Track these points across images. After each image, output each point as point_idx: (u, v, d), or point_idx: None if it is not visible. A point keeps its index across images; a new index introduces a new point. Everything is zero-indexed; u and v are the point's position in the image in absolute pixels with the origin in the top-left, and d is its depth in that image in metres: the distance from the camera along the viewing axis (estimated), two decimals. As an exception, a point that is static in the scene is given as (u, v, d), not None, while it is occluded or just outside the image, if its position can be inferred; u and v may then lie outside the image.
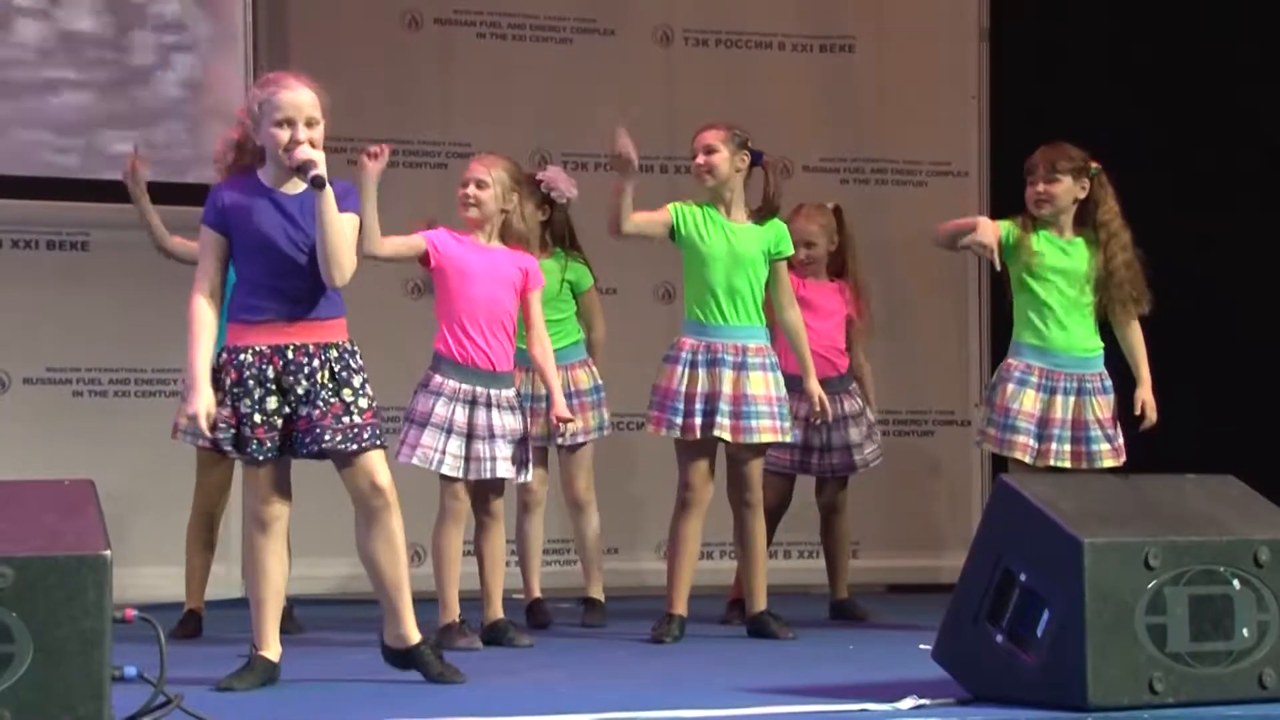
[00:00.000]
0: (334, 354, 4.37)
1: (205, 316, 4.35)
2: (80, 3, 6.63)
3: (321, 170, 4.27)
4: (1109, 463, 5.49)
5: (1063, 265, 5.57)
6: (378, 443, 4.38)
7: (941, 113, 7.72)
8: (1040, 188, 5.59)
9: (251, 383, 4.33)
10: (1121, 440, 5.53)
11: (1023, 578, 3.79)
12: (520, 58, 7.25)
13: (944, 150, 7.72)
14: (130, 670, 3.59)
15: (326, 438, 4.33)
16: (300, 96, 4.34)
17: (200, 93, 6.77)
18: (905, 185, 7.67)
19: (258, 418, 4.33)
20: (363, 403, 4.37)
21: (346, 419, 4.34)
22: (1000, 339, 7.59)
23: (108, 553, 3.42)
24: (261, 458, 4.35)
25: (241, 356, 4.35)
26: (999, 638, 3.82)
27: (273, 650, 4.43)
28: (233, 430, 4.35)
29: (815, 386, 5.69)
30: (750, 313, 5.57)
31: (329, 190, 4.29)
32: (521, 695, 4.28)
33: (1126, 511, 3.87)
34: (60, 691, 3.31)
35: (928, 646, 4.07)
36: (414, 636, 4.49)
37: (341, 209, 4.33)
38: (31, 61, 6.57)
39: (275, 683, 4.42)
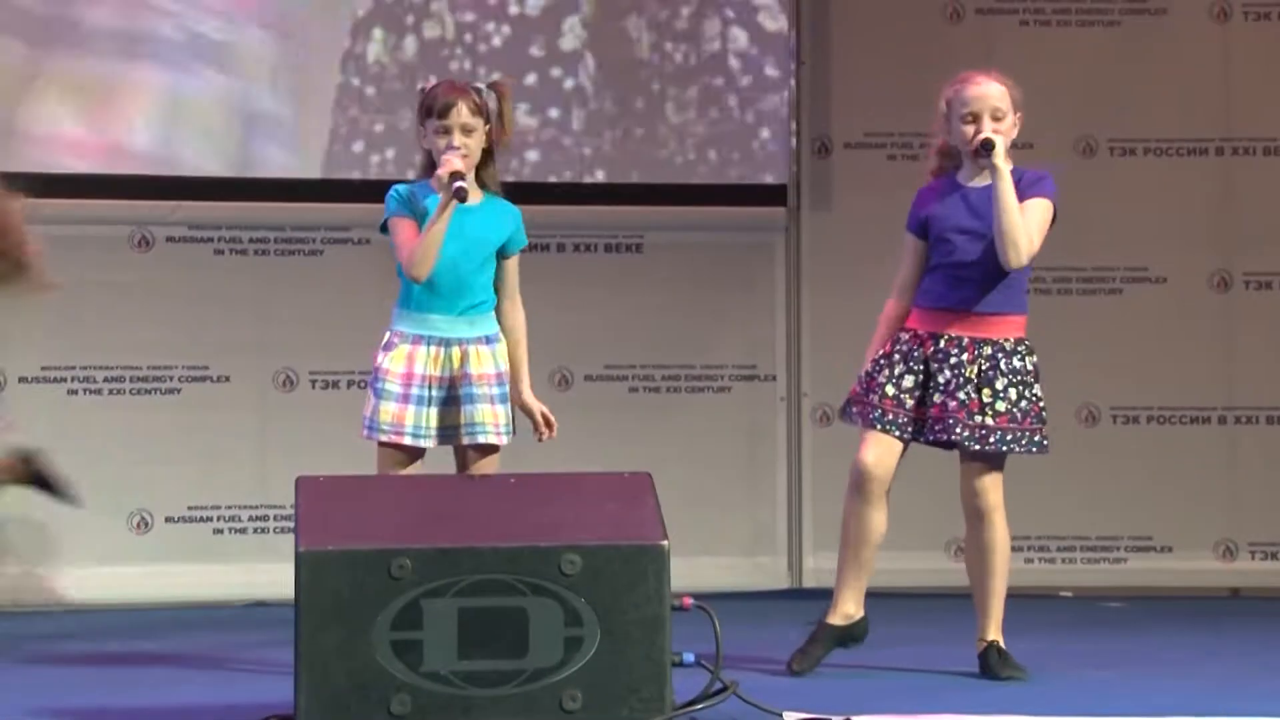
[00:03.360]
0: (987, 350, 4.44)
1: (890, 314, 4.59)
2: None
3: (998, 144, 4.40)
4: None
5: None
6: (1002, 449, 4.41)
7: None
8: None
9: (898, 357, 4.48)
10: None
11: None
12: (1065, 44, 7.08)
13: None
14: (689, 656, 3.69)
15: (956, 431, 4.39)
16: (986, 90, 4.49)
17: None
18: None
19: (890, 389, 4.46)
20: (1000, 406, 4.41)
21: (979, 418, 4.39)
22: None
23: (666, 543, 3.54)
24: (880, 427, 4.44)
25: (902, 334, 4.51)
26: None
27: (839, 614, 4.50)
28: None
29: None
30: None
31: (1004, 170, 4.40)
32: (1080, 695, 4.20)
33: None
34: (625, 674, 3.44)
35: None
36: (988, 635, 4.50)
37: (1029, 195, 4.44)
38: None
39: (856, 642, 4.52)
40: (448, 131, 4.41)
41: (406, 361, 4.45)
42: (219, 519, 6.33)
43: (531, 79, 6.56)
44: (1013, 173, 4.47)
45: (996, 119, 4.44)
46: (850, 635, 4.53)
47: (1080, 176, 6.69)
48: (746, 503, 6.64)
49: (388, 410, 4.43)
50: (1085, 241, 6.65)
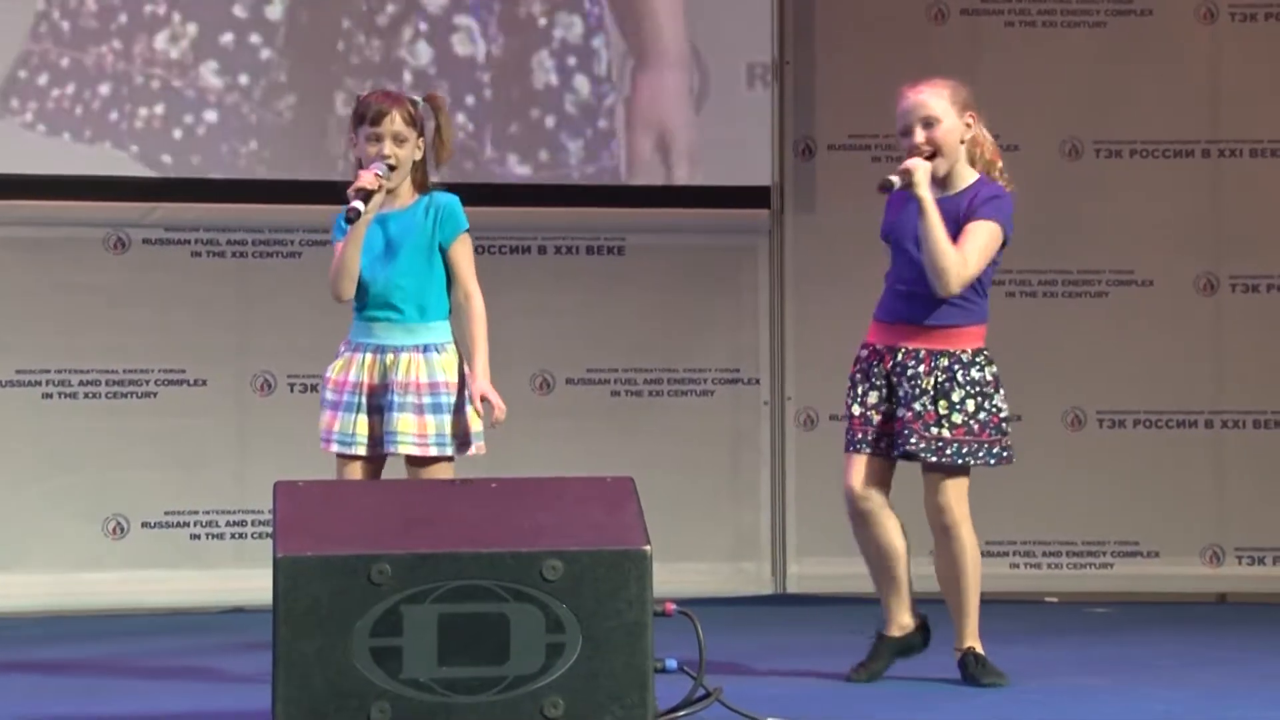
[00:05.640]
0: (944, 362, 4.42)
1: None
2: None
3: (915, 170, 4.36)
4: None
5: None
6: (959, 462, 4.39)
7: None
8: None
9: (859, 375, 4.49)
10: None
11: None
12: (1051, 45, 7.06)
13: None
14: (671, 663, 3.66)
15: (912, 442, 4.38)
16: (912, 101, 4.47)
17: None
18: None
19: (856, 409, 4.47)
20: (956, 418, 4.39)
21: (935, 429, 4.38)
22: None
23: (648, 548, 3.50)
24: (854, 448, 4.46)
25: (863, 351, 4.52)
26: None
27: (895, 626, 4.51)
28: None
29: None
30: None
31: (927, 199, 4.35)
32: (1066, 702, 4.18)
33: None
34: (607, 681, 3.40)
35: None
36: (964, 643, 4.49)
37: (978, 215, 4.37)
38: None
39: (916, 650, 4.51)
40: (379, 139, 4.36)
41: (344, 369, 4.43)
42: (196, 524, 6.27)
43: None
44: (970, 188, 4.44)
45: (928, 126, 4.41)
46: (909, 645, 4.53)
47: (1066, 178, 6.69)
48: (730, 507, 6.61)
49: (323, 418, 4.41)
50: (1071, 244, 6.63)
